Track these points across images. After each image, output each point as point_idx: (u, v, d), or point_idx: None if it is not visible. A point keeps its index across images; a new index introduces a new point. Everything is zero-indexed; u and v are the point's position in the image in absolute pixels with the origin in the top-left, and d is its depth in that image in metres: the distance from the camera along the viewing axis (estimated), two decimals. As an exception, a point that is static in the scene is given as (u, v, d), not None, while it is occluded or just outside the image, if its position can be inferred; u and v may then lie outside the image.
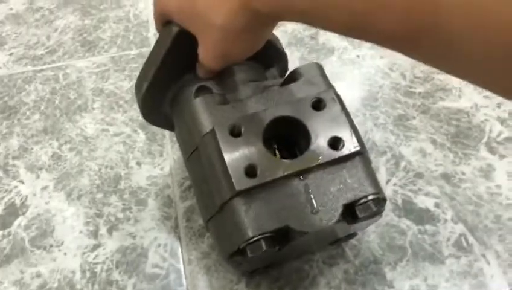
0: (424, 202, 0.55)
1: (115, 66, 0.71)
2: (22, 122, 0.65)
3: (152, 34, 0.76)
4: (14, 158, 0.61)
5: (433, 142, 0.61)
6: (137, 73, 0.69)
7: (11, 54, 0.74)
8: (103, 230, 0.54)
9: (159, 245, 0.53)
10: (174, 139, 0.61)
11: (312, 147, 0.39)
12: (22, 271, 0.51)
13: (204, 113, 0.40)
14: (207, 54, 0.40)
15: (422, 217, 0.54)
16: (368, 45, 0.72)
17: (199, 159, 0.41)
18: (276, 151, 0.42)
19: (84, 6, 0.81)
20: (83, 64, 0.72)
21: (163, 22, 0.43)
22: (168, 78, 0.45)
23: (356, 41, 0.73)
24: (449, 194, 0.56)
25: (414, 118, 0.63)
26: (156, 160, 0.60)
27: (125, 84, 0.69)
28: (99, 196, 0.57)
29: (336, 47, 0.72)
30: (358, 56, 0.71)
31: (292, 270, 0.49)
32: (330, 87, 0.43)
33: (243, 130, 0.39)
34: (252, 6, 0.34)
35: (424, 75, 0.68)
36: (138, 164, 0.60)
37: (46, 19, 0.80)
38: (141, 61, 0.71)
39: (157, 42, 0.44)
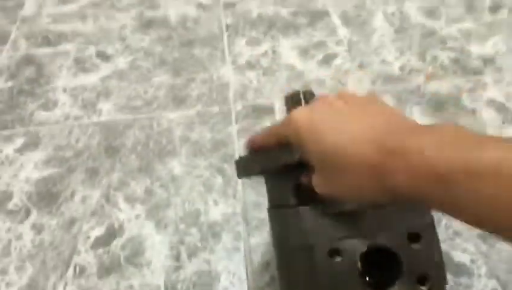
0: (460, 257, 0.63)
1: (200, 120, 0.85)
2: (122, 160, 0.79)
3: (231, 95, 0.89)
4: (114, 190, 0.75)
5: (473, 205, 0.68)
6: (218, 126, 0.83)
7: (115, 104, 0.90)
8: (184, 255, 0.65)
9: (229, 272, 0.63)
10: (246, 184, 0.73)
11: (402, 280, 0.41)
12: (118, 283, 0.63)
13: (307, 225, 0.41)
14: (321, 188, 0.37)
15: (458, 270, 0.61)
16: (419, 115, 0.82)
17: (293, 261, 0.43)
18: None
19: (176, 67, 0.97)
20: (173, 116, 0.86)
21: (280, 137, 0.40)
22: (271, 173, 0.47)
23: (408, 111, 0.83)
24: (484, 252, 0.63)
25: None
26: (230, 201, 0.71)
27: (208, 135, 0.82)
28: (182, 226, 0.69)
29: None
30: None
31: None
32: (428, 217, 0.44)
33: (340, 253, 0.40)
34: (388, 186, 0.31)
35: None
36: (215, 202, 0.71)
37: (144, 76, 0.96)
38: (221, 117, 0.85)
39: (274, 153, 0.43)
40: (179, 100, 0.89)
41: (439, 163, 0.27)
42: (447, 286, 0.60)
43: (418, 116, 0.82)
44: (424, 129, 0.32)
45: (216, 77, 0.94)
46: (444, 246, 0.64)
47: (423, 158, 0.28)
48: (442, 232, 0.65)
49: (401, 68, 0.92)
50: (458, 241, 0.64)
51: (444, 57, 0.93)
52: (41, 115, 0.89)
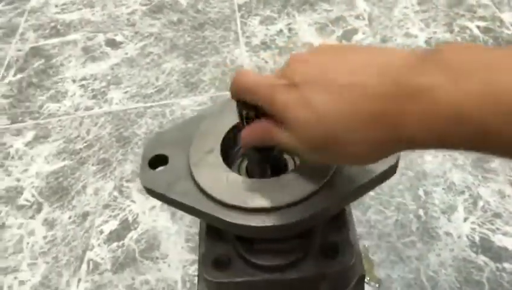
0: (502, 241, 0.57)
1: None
2: (135, 150, 0.75)
3: (246, 77, 0.85)
4: (127, 181, 0.71)
5: (513, 184, 0.63)
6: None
7: (125, 92, 0.86)
8: (201, 247, 0.62)
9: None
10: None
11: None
12: (133, 278, 0.60)
13: None
14: (297, 144, 0.29)
15: (500, 255, 0.56)
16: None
17: None
18: None
19: (187, 52, 0.92)
20: (186, 102, 0.82)
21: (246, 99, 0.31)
22: None
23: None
24: (528, 235, 0.58)
25: (493, 160, 0.66)
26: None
27: (222, 120, 0.77)
28: (199, 217, 0.65)
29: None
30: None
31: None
32: None
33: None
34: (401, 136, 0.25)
35: (504, 120, 0.71)
36: (233, 191, 0.67)
37: (155, 62, 0.92)
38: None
39: None
40: (191, 86, 0.85)
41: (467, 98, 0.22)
42: (488, 269, 0.55)
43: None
44: (430, 58, 0.25)
45: (229, 60, 0.89)
46: (482, 230, 0.59)
47: (446, 95, 0.23)
48: (479, 215, 0.60)
49: (427, 41, 0.86)
50: (498, 224, 0.59)
51: (473, 26, 0.87)
52: (51, 107, 0.86)
